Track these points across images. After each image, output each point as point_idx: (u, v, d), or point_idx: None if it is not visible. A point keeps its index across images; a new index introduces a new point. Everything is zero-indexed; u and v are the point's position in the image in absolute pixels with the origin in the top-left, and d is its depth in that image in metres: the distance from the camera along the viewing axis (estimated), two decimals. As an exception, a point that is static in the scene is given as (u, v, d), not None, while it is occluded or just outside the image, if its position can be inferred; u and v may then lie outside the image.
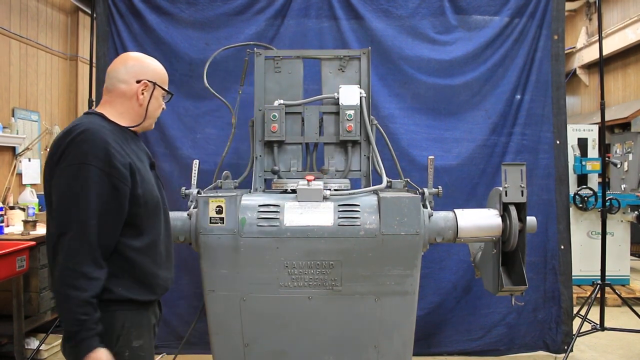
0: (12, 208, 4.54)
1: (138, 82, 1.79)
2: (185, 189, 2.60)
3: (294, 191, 2.53)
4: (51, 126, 5.69)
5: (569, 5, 8.87)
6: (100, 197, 1.57)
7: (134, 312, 1.71)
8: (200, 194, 2.53)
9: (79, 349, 1.57)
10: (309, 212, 2.37)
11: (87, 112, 1.80)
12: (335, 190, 2.50)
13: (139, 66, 1.82)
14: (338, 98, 2.89)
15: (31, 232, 3.90)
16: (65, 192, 1.58)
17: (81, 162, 1.56)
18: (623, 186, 7.50)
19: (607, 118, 4.78)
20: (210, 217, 2.34)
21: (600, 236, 4.23)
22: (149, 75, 1.82)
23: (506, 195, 2.38)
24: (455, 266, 3.86)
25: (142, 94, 1.80)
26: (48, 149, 1.71)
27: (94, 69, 4.10)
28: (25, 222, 4.03)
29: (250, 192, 2.78)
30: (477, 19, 3.85)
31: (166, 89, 1.89)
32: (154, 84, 1.82)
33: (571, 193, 5.26)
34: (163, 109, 1.93)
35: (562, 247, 3.86)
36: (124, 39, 3.83)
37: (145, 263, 1.73)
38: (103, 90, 1.85)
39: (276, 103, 2.92)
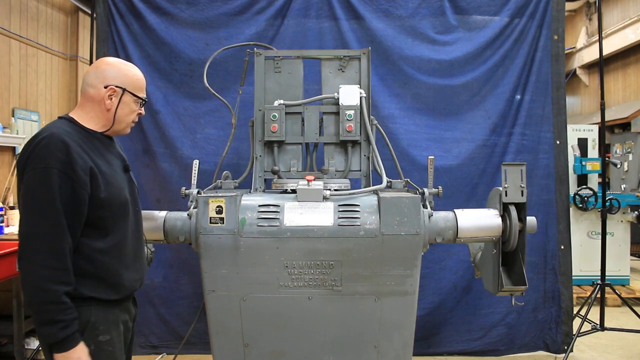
0: (12, 208, 4.55)
1: (106, 87, 1.81)
2: (185, 189, 2.60)
3: (294, 191, 2.53)
4: (51, 126, 5.68)
5: (569, 5, 8.87)
6: (62, 199, 1.61)
7: (100, 308, 1.74)
8: (200, 194, 2.53)
9: (59, 346, 1.61)
10: (309, 212, 2.37)
11: (59, 117, 1.83)
12: (335, 190, 2.50)
13: (109, 71, 1.83)
14: (338, 98, 2.89)
15: (31, 232, 3.89)
16: (29, 195, 1.63)
17: (44, 166, 1.61)
18: (623, 186, 7.51)
19: (607, 118, 4.78)
20: (210, 217, 2.34)
21: (600, 236, 4.23)
22: (118, 80, 1.83)
23: (506, 195, 2.38)
24: (455, 266, 3.86)
25: (110, 99, 1.82)
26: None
27: (94, 69, 4.10)
28: (25, 222, 4.02)
29: (250, 192, 2.78)
30: (477, 19, 3.85)
31: (139, 95, 1.89)
32: (123, 89, 1.83)
33: (571, 193, 5.26)
34: (140, 114, 1.93)
35: (562, 247, 3.86)
36: (124, 39, 3.83)
37: (110, 263, 1.76)
38: None
39: (276, 103, 2.92)
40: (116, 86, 1.82)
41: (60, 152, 1.62)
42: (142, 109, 1.95)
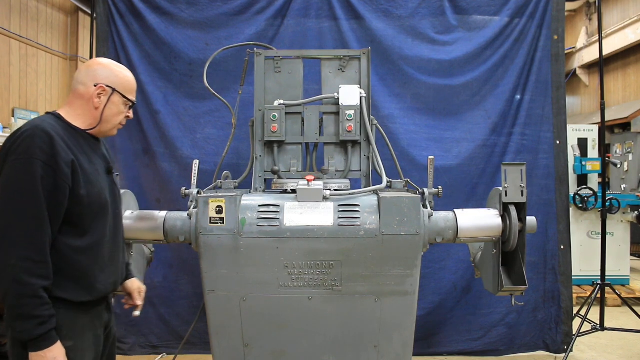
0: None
1: (96, 85, 1.81)
2: (185, 189, 2.60)
3: (294, 191, 2.53)
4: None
5: (569, 5, 8.87)
6: (44, 191, 1.60)
7: (67, 311, 1.68)
8: (200, 194, 2.53)
9: (35, 344, 1.57)
10: (309, 212, 2.37)
11: (46, 112, 1.83)
12: (335, 190, 2.50)
13: (101, 71, 1.84)
14: (338, 98, 2.89)
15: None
16: (11, 185, 1.61)
17: (28, 157, 1.60)
18: (623, 186, 7.51)
19: (607, 118, 4.78)
20: (210, 217, 2.34)
21: (600, 236, 4.23)
22: (109, 80, 1.83)
23: (506, 195, 2.38)
24: (455, 266, 3.86)
25: (99, 97, 1.81)
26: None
27: (94, 69, 4.10)
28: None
29: (250, 192, 2.78)
30: (477, 19, 3.85)
31: (128, 97, 1.88)
32: (113, 89, 1.83)
33: (571, 193, 5.27)
34: (128, 117, 1.93)
35: (562, 247, 3.86)
36: (124, 39, 3.83)
37: (85, 264, 1.72)
38: None
39: (276, 103, 2.92)
40: (106, 85, 1.81)
41: (44, 143, 1.62)
42: (131, 112, 1.94)
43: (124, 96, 1.86)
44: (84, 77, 1.82)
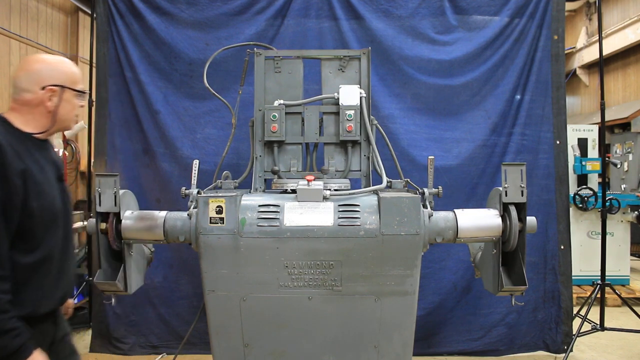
0: None
1: (43, 88, 1.70)
2: (185, 189, 2.59)
3: (294, 191, 2.53)
4: (51, 126, 5.67)
5: (569, 5, 8.87)
6: None
7: None
8: (200, 194, 2.53)
9: (17, 356, 1.52)
10: (309, 212, 2.36)
11: None
12: (335, 190, 2.50)
13: (43, 71, 1.72)
14: (338, 98, 2.89)
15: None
16: None
17: None
18: (623, 186, 7.51)
19: (607, 118, 4.78)
20: (210, 217, 2.34)
21: (600, 236, 4.23)
22: (55, 79, 1.72)
23: (506, 195, 2.38)
24: (455, 266, 3.86)
25: (50, 100, 1.72)
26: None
27: (94, 69, 4.10)
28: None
29: (250, 192, 2.78)
30: (477, 19, 3.85)
31: (77, 88, 1.78)
32: (62, 87, 1.73)
33: (571, 193, 5.27)
34: (82, 106, 1.84)
35: (562, 247, 3.87)
36: (124, 39, 3.83)
37: (33, 279, 1.64)
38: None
39: (276, 103, 2.92)
40: (54, 85, 1.71)
41: None
42: (85, 100, 1.83)
43: (74, 90, 1.77)
44: (26, 84, 1.70)
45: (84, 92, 1.83)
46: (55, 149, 1.99)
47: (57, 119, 1.75)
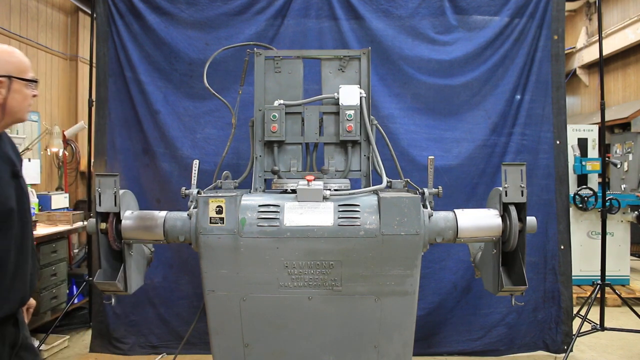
0: (12, 208, 4.53)
1: None
2: (185, 189, 2.60)
3: (294, 191, 2.53)
4: (51, 126, 5.69)
5: (569, 5, 8.88)
6: None
7: None
8: (200, 194, 2.53)
9: None
10: (309, 212, 2.36)
11: None
12: (335, 190, 2.50)
13: None
14: (338, 98, 2.89)
15: (31, 232, 3.88)
16: None
17: None
18: (623, 186, 7.51)
19: (607, 118, 4.78)
20: (210, 217, 2.34)
21: (600, 236, 4.23)
22: (1, 70, 1.64)
23: (506, 195, 2.38)
24: (455, 266, 3.86)
25: None
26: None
27: (94, 69, 4.10)
28: (25, 222, 4.02)
29: (250, 192, 2.78)
30: (477, 19, 3.85)
31: (28, 77, 1.69)
32: (10, 77, 1.64)
33: (571, 193, 5.27)
34: (35, 96, 1.76)
35: (562, 247, 3.87)
36: (124, 39, 3.83)
37: None
38: None
39: (276, 103, 2.92)
40: (1, 76, 1.63)
41: None
42: (36, 89, 1.75)
43: (23, 79, 1.69)
44: None
45: (35, 81, 1.74)
46: (15, 143, 1.88)
47: (8, 111, 1.67)
